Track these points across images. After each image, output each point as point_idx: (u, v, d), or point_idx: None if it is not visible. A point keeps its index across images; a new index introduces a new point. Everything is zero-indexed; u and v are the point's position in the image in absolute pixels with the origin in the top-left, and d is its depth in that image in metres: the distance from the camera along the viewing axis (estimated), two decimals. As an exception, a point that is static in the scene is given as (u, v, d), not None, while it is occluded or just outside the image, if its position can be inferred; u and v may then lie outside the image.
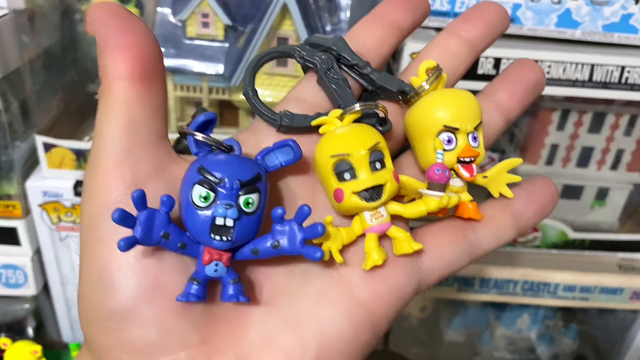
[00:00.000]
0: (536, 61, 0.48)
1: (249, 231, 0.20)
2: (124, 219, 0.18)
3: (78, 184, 0.50)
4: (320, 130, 0.22)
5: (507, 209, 0.24)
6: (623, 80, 0.48)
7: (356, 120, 0.23)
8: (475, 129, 0.23)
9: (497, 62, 0.47)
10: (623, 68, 0.48)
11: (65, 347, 0.57)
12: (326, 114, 0.23)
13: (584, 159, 0.58)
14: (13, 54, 0.47)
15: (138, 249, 0.19)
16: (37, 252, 0.54)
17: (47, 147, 0.48)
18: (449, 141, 0.22)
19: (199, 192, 0.19)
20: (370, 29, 0.25)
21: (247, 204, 0.20)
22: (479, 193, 0.25)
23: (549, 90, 0.49)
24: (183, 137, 0.22)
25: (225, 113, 0.52)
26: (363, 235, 0.22)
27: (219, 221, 0.19)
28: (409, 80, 0.24)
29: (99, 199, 0.20)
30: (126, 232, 0.19)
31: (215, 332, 0.20)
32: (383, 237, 0.22)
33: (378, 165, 0.21)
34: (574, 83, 0.48)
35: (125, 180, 0.20)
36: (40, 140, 0.48)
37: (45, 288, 0.56)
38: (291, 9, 0.43)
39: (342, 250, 0.22)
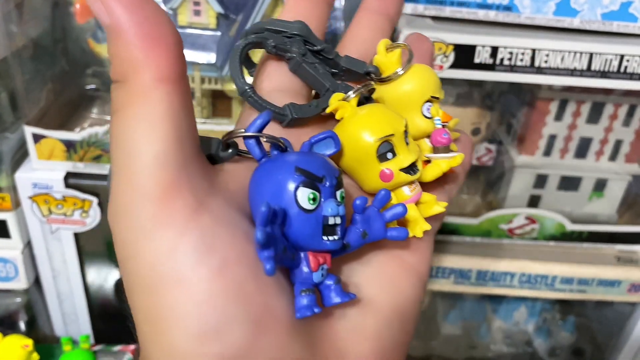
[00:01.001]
0: (533, 50, 0.47)
1: (344, 226, 0.19)
2: (268, 239, 0.16)
3: (68, 176, 0.49)
4: (337, 115, 0.23)
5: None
6: (622, 70, 0.47)
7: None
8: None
9: (494, 50, 0.47)
10: (622, 57, 0.47)
11: (58, 341, 0.56)
12: (325, 100, 0.23)
13: (582, 149, 0.57)
14: (0, 43, 0.46)
15: (234, 277, 0.16)
16: (28, 245, 0.53)
17: (37, 137, 0.48)
18: (428, 109, 0.25)
19: (306, 194, 0.18)
20: (364, 21, 0.27)
21: (342, 198, 0.19)
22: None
23: (547, 80, 0.48)
24: (230, 146, 0.20)
25: (218, 103, 0.51)
26: None
27: (331, 220, 0.18)
28: (343, 52, 0.25)
29: (164, 234, 0.16)
30: (210, 264, 0.16)
31: (315, 340, 0.19)
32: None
33: (407, 141, 0.23)
34: (572, 72, 0.48)
35: (190, 205, 0.16)
36: (29, 131, 0.47)
37: (37, 281, 0.55)
38: (284, -4, 0.42)
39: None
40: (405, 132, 0.23)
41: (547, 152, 0.57)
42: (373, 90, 0.25)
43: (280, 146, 0.20)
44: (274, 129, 0.22)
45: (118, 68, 0.16)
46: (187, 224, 0.16)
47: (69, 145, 0.48)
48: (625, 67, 0.47)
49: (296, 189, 0.18)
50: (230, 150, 0.20)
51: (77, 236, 0.53)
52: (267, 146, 0.20)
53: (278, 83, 0.23)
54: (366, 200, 0.20)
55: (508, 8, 0.48)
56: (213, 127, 0.49)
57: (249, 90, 0.21)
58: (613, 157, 0.57)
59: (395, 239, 0.21)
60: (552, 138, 0.56)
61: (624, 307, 0.63)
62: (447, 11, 0.48)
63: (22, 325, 0.57)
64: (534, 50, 0.47)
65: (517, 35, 0.47)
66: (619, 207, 0.60)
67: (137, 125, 0.16)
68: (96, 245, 0.55)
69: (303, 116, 0.22)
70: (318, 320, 0.19)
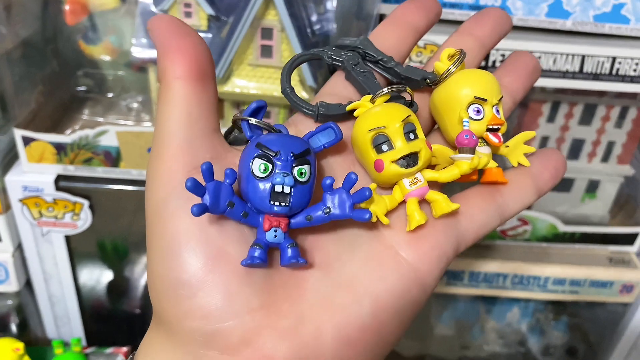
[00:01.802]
0: (526, 52, 0.47)
1: (302, 198, 0.22)
2: (195, 187, 0.20)
3: (59, 179, 0.49)
4: (355, 113, 0.25)
5: (527, 174, 0.27)
6: (614, 72, 0.47)
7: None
8: (498, 103, 0.26)
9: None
10: (614, 59, 0.47)
11: (50, 343, 0.56)
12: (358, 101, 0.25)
13: (575, 151, 0.57)
14: (-11, 44, 0.45)
15: (202, 221, 0.21)
16: (19, 248, 0.53)
17: (27, 140, 0.47)
18: (478, 112, 0.25)
19: (258, 164, 0.22)
20: (390, 30, 0.28)
21: (301, 174, 0.22)
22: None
23: (540, 82, 0.48)
24: (235, 125, 0.24)
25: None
26: (403, 202, 0.24)
27: (278, 188, 0.22)
28: (429, 71, 0.27)
29: (164, 183, 0.22)
30: (189, 208, 0.21)
31: (275, 297, 0.22)
32: (422, 203, 0.24)
33: (412, 135, 0.24)
34: (564, 74, 0.48)
35: (187, 166, 0.22)
36: (19, 133, 0.47)
37: (28, 284, 0.55)
38: (275, -1, 0.42)
39: (385, 213, 0.24)
40: (408, 125, 0.23)
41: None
42: (405, 91, 0.25)
43: (272, 131, 0.23)
44: (308, 123, 0.25)
45: (158, 72, 0.23)
46: (181, 179, 0.22)
47: (60, 148, 0.48)
48: (617, 70, 0.47)
49: (252, 159, 0.22)
50: (232, 134, 0.25)
51: (68, 238, 0.53)
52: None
53: (333, 88, 0.27)
54: (333, 181, 0.22)
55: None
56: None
57: (288, 89, 0.26)
58: (605, 158, 0.57)
59: (357, 219, 0.22)
60: (545, 139, 0.56)
61: (616, 307, 0.63)
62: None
63: (14, 328, 0.57)
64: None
65: (509, 37, 0.47)
66: (611, 208, 0.60)
67: (163, 108, 0.23)
68: (88, 248, 0.55)
69: (328, 113, 0.25)
70: (286, 280, 0.22)
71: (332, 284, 0.23)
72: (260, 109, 0.23)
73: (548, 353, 0.70)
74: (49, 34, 0.51)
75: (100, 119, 0.51)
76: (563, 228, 0.58)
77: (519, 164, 0.27)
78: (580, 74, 0.48)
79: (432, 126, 0.28)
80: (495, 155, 0.26)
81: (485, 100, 0.25)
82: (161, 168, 0.22)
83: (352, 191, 0.22)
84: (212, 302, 0.21)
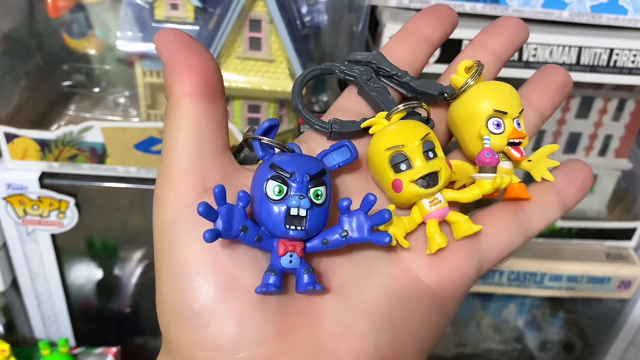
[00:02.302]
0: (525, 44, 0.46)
1: (319, 221, 0.21)
2: (207, 212, 0.19)
3: (43, 176, 0.48)
4: (371, 130, 0.24)
5: (551, 189, 0.25)
6: (611, 64, 0.46)
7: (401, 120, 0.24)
8: (518, 115, 0.24)
9: (481, 44, 0.45)
10: (612, 50, 0.46)
11: (37, 344, 0.55)
12: (372, 117, 0.24)
13: (572, 145, 0.56)
14: (-31, 38, 0.44)
15: (213, 247, 0.20)
16: (4, 247, 0.52)
17: (9, 137, 0.46)
18: (498, 125, 0.24)
19: (273, 187, 0.21)
20: (403, 43, 0.27)
21: (317, 195, 0.21)
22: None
23: (535, 74, 0.47)
24: (248, 145, 0.24)
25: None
26: (423, 223, 0.23)
27: (293, 211, 0.21)
28: (445, 84, 0.26)
29: (173, 205, 0.21)
30: (200, 233, 0.20)
31: (291, 325, 0.21)
32: (442, 223, 0.23)
33: (431, 154, 0.23)
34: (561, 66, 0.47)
35: (196, 187, 0.21)
36: (1, 130, 0.46)
37: (14, 284, 0.54)
38: (263, -11, 0.40)
39: (405, 235, 0.23)
40: (427, 143, 0.22)
41: (536, 148, 0.56)
42: (421, 107, 0.24)
43: (285, 150, 0.22)
44: (321, 140, 0.25)
45: (165, 89, 0.22)
46: (191, 202, 0.21)
47: (44, 145, 0.46)
48: (615, 61, 0.46)
49: (266, 181, 0.21)
50: (242, 153, 0.24)
51: (54, 237, 0.52)
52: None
53: (345, 103, 0.26)
54: (350, 202, 0.21)
55: (496, 1, 0.47)
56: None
57: (300, 106, 0.25)
58: (603, 152, 0.56)
59: (376, 242, 0.21)
60: (541, 133, 0.55)
61: (613, 302, 0.62)
62: (433, 3, 0.47)
63: (0, 329, 0.56)
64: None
65: (504, 28, 0.46)
66: (609, 203, 0.59)
67: (170, 126, 0.22)
68: (76, 246, 0.54)
69: (341, 130, 0.24)
70: (301, 306, 0.21)
71: (350, 310, 0.22)
72: (272, 128, 0.22)
73: (545, 349, 0.69)
74: (33, 28, 0.50)
75: (87, 115, 0.50)
76: (560, 223, 0.57)
77: (543, 179, 0.25)
78: (577, 66, 0.47)
79: (449, 141, 0.27)
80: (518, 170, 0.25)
81: (505, 113, 0.24)
82: (169, 189, 0.21)
83: (370, 213, 0.22)
84: (225, 333, 0.20)
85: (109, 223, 0.54)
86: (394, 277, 0.22)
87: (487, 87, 0.24)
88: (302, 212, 0.21)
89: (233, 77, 0.44)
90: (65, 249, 0.53)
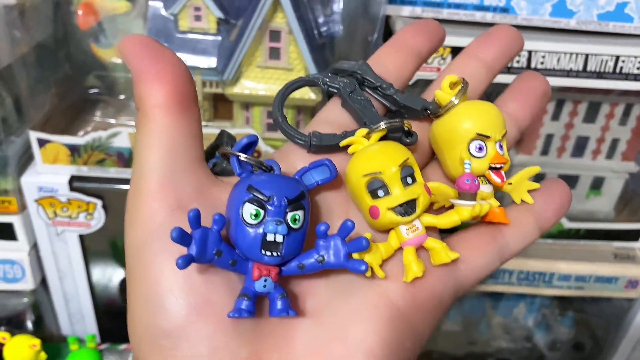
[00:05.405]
0: (530, 52, 0.48)
1: (295, 246, 0.21)
2: (181, 237, 0.19)
3: (73, 179, 0.50)
4: (350, 150, 0.23)
5: (529, 212, 0.25)
6: (618, 70, 0.48)
7: (383, 136, 0.23)
8: (501, 138, 0.24)
9: (491, 52, 0.47)
10: (617, 57, 0.48)
11: (65, 340, 0.58)
12: (353, 132, 0.23)
13: (579, 148, 0.58)
14: (5, 49, 0.46)
15: (186, 269, 0.20)
16: (34, 247, 0.54)
17: (42, 142, 0.48)
18: (480, 149, 0.23)
19: (249, 210, 0.20)
20: (391, 54, 0.26)
21: (294, 220, 0.20)
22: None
23: (544, 81, 0.49)
24: (225, 158, 0.23)
25: (220, 106, 0.52)
26: (400, 248, 0.23)
27: (270, 237, 0.20)
28: (429, 99, 0.25)
29: (145, 223, 0.20)
30: (173, 252, 0.20)
31: (263, 347, 0.21)
32: (419, 247, 0.23)
33: (409, 180, 0.22)
34: (568, 73, 0.48)
35: (170, 203, 0.20)
36: (34, 135, 0.48)
37: (44, 282, 0.56)
38: (282, 1, 0.42)
39: (381, 263, 0.22)
40: (405, 169, 0.22)
41: (545, 151, 0.57)
42: (402, 127, 0.24)
43: (264, 168, 0.22)
44: (301, 153, 0.24)
45: (135, 99, 0.21)
46: (163, 220, 0.20)
47: (73, 150, 0.49)
48: (621, 68, 0.48)
49: (242, 204, 0.20)
50: (215, 166, 0.23)
51: (82, 238, 0.54)
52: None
53: (328, 114, 0.25)
54: (328, 227, 0.21)
55: (505, 10, 0.49)
56: (214, 130, 0.50)
57: (279, 118, 0.24)
58: (610, 155, 0.58)
59: (353, 270, 0.21)
60: (550, 137, 0.57)
61: (622, 302, 0.63)
62: (445, 13, 0.49)
63: (30, 325, 0.58)
64: (530, 52, 0.47)
65: (513, 37, 0.48)
66: (617, 204, 0.61)
67: (141, 139, 0.21)
68: (101, 246, 0.56)
69: (321, 144, 0.23)
70: (275, 328, 0.21)
71: (324, 334, 0.21)
72: (251, 145, 0.22)
73: (555, 348, 0.70)
74: (61, 38, 0.52)
75: (112, 121, 0.53)
76: (568, 225, 0.58)
77: (522, 200, 0.25)
78: (584, 73, 0.48)
79: (432, 156, 0.26)
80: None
81: (488, 137, 0.23)
82: (141, 206, 0.20)
83: (347, 239, 0.21)
84: (197, 354, 0.19)
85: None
86: (369, 301, 0.22)
87: (471, 108, 0.24)
88: (279, 238, 0.20)
89: (254, 85, 0.47)
90: (91, 250, 0.56)
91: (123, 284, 0.61)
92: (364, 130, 0.23)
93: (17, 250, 0.53)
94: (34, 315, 0.58)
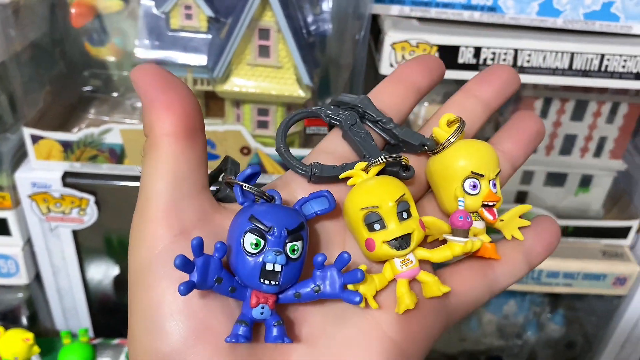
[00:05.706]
0: (516, 50, 0.48)
1: (293, 276, 0.22)
2: (184, 265, 0.20)
3: (66, 175, 0.51)
4: (349, 182, 0.24)
5: (519, 248, 0.26)
6: (603, 68, 0.49)
7: (381, 170, 0.24)
8: (495, 177, 0.25)
9: (478, 51, 0.48)
10: (603, 56, 0.48)
11: (59, 334, 0.58)
12: (352, 164, 0.24)
13: (567, 146, 0.58)
14: (-1, 47, 0.47)
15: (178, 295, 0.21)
16: (28, 242, 0.55)
17: (35, 138, 0.49)
18: (474, 186, 0.24)
19: (250, 240, 0.21)
20: (392, 88, 0.27)
21: (293, 250, 0.21)
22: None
23: (529, 79, 0.49)
24: (229, 187, 0.24)
25: (211, 104, 0.52)
26: (394, 280, 0.24)
27: (269, 266, 0.21)
28: (427, 133, 0.26)
29: (148, 247, 0.21)
30: (175, 278, 0.20)
31: None
32: (412, 280, 0.24)
33: (405, 215, 0.23)
34: (554, 71, 0.49)
35: (173, 229, 0.21)
36: (28, 132, 0.49)
37: (38, 277, 0.57)
38: (271, 0, 0.43)
39: (375, 294, 0.23)
40: (401, 204, 0.23)
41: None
42: (400, 162, 0.25)
43: (265, 197, 0.23)
44: (302, 182, 0.25)
45: (144, 126, 0.22)
46: (167, 245, 0.21)
47: (66, 146, 0.50)
48: (606, 66, 0.49)
49: (244, 233, 0.21)
50: (218, 191, 0.24)
51: (75, 233, 0.55)
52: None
53: (329, 145, 0.26)
54: (325, 258, 0.22)
55: (492, 9, 0.50)
56: (207, 128, 0.51)
57: (282, 148, 0.25)
58: (598, 153, 0.59)
59: (347, 301, 0.22)
60: (538, 135, 0.58)
61: (612, 299, 0.64)
62: (433, 12, 0.50)
63: (24, 320, 0.59)
64: (516, 50, 0.48)
65: (499, 35, 0.48)
66: (605, 202, 0.61)
67: (148, 165, 0.22)
68: (95, 242, 0.57)
69: (321, 175, 0.24)
70: (270, 354, 0.22)
71: None
72: (254, 175, 0.23)
73: (545, 345, 0.71)
74: (56, 36, 0.53)
75: (106, 118, 0.53)
76: (558, 222, 0.59)
77: (513, 237, 0.26)
78: (569, 71, 0.49)
79: (428, 189, 0.27)
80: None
81: (482, 175, 0.24)
82: (145, 230, 0.21)
83: (343, 270, 0.22)
84: None
85: (126, 220, 0.57)
86: (362, 330, 0.23)
87: (467, 147, 0.25)
88: (278, 268, 0.21)
89: (243, 83, 0.47)
90: (85, 245, 0.56)
91: (117, 279, 0.62)
92: (362, 164, 0.24)
93: (11, 246, 0.54)
94: (28, 310, 0.58)
